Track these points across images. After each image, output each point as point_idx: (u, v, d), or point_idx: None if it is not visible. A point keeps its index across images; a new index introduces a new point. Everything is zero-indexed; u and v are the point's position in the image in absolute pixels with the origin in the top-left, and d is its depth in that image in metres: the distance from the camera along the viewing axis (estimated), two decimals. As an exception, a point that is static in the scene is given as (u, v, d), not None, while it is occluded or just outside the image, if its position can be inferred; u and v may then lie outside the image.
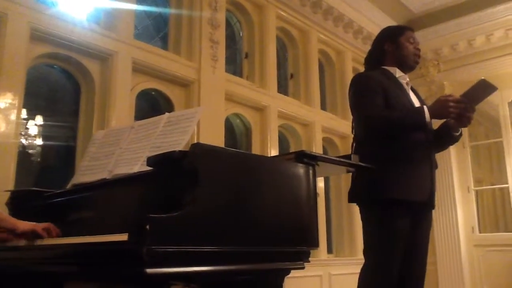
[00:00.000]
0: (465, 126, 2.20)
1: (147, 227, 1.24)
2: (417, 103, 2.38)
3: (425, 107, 2.16)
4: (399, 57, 2.41)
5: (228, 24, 5.00)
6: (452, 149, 6.52)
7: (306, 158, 1.71)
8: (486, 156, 8.54)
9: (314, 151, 2.60)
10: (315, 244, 1.68)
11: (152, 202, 1.62)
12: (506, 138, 6.36)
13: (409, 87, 2.44)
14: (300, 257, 1.65)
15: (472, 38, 6.53)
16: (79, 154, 3.49)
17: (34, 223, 1.80)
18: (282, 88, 5.50)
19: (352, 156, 1.93)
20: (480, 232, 6.53)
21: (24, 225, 1.79)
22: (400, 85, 2.37)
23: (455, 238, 6.34)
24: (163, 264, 1.27)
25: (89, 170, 2.10)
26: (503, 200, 8.29)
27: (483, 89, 2.09)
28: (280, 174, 1.65)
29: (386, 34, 2.51)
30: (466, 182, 6.58)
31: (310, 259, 1.69)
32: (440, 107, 2.12)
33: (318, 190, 1.78)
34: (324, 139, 5.75)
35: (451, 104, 2.09)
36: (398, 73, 2.41)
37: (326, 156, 1.88)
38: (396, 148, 2.18)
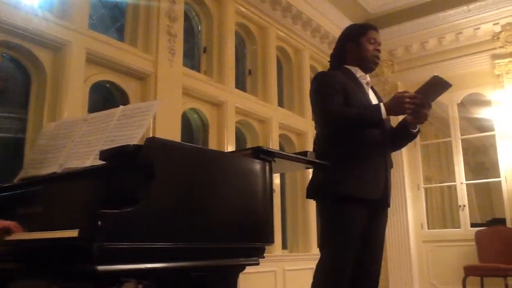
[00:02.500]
0: (421, 122, 2.25)
1: (99, 223, 1.20)
2: (376, 103, 2.42)
3: (381, 104, 2.21)
4: (359, 58, 2.44)
5: (187, 18, 4.94)
6: (404, 148, 6.70)
7: (263, 154, 1.71)
8: (435, 155, 8.86)
9: (270, 147, 2.60)
10: (270, 240, 1.69)
11: (104, 197, 1.58)
12: (455, 138, 6.61)
13: (369, 86, 2.49)
14: (255, 253, 1.65)
15: (425, 40, 6.74)
16: (28, 147, 3.36)
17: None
18: (240, 84, 5.50)
19: (308, 153, 1.95)
20: (428, 229, 6.77)
21: None
22: (360, 85, 2.41)
23: (405, 234, 6.55)
24: (114, 261, 1.24)
25: (38, 163, 2.03)
26: (451, 197, 8.64)
27: (437, 85, 2.12)
28: (236, 170, 1.64)
29: (348, 34, 2.53)
30: (417, 180, 6.80)
31: (264, 255, 1.69)
32: (395, 104, 2.17)
33: (274, 187, 1.79)
34: (280, 136, 5.80)
35: (406, 100, 2.13)
36: (359, 72, 2.45)
37: (282, 153, 1.89)
38: (352, 146, 2.22)
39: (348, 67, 2.46)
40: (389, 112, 2.17)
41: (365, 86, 2.44)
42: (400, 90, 6.81)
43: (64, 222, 1.67)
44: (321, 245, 2.28)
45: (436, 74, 2.11)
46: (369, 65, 2.45)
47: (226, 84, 4.98)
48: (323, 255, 2.25)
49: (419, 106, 2.15)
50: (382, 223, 2.36)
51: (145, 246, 1.30)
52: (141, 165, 1.38)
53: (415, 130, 2.32)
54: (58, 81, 3.52)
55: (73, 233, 1.24)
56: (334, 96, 2.28)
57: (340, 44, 2.54)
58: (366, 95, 2.39)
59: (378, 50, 2.46)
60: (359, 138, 2.23)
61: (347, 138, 2.24)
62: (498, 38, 6.25)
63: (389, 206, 2.37)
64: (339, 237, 2.21)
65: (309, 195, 2.35)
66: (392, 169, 2.41)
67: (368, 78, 2.48)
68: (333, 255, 2.21)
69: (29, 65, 3.55)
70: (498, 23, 6.22)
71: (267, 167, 1.71)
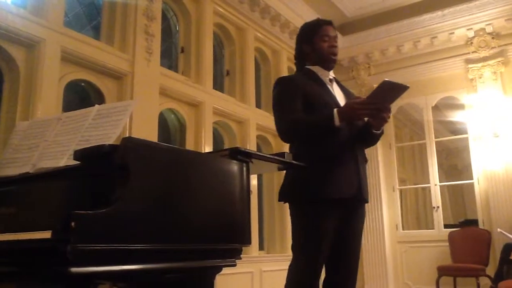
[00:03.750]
0: (380, 125, 2.23)
1: (72, 224, 1.18)
2: (341, 99, 2.40)
3: (335, 111, 2.17)
4: (316, 58, 2.43)
5: (164, 17, 4.91)
6: (380, 149, 6.81)
7: (240, 155, 1.70)
8: (410, 157, 9.01)
9: (248, 148, 2.60)
10: (247, 242, 1.68)
11: (79, 198, 1.55)
12: (429, 141, 6.73)
13: (333, 83, 2.47)
14: (232, 254, 1.64)
15: (401, 44, 6.85)
16: (0, 146, 3.28)
17: None
18: (218, 85, 5.49)
19: (285, 154, 1.95)
20: (403, 229, 6.87)
21: None
22: (322, 84, 2.40)
23: (380, 235, 6.63)
24: (89, 262, 1.21)
25: (10, 163, 1.98)
26: (425, 199, 8.79)
27: (391, 89, 2.10)
28: (213, 170, 1.63)
29: (302, 34, 2.52)
30: (392, 181, 6.89)
31: (241, 256, 1.69)
32: (347, 111, 2.15)
33: (251, 188, 1.78)
34: (258, 137, 5.80)
35: (357, 106, 2.12)
36: (320, 71, 2.43)
37: (260, 154, 1.88)
38: (320, 147, 2.21)
39: (309, 67, 2.45)
40: (342, 119, 2.15)
41: (328, 84, 2.43)
42: (376, 92, 6.91)
43: (37, 223, 1.63)
44: (292, 247, 2.29)
45: (386, 79, 2.10)
46: (327, 63, 2.44)
47: (203, 85, 4.96)
48: (294, 256, 2.26)
49: (374, 111, 2.14)
50: (359, 219, 2.34)
51: (120, 247, 1.28)
52: (116, 166, 1.36)
53: (378, 132, 2.32)
54: (31, 79, 3.45)
55: (46, 234, 1.21)
56: (291, 103, 2.28)
57: (297, 45, 2.54)
58: (329, 94, 2.37)
59: (333, 46, 2.43)
60: (327, 139, 2.23)
61: (314, 140, 2.24)
62: (472, 43, 6.39)
63: (366, 201, 2.36)
64: (309, 238, 2.21)
65: (280, 198, 2.35)
66: (366, 164, 2.40)
67: (331, 75, 2.47)
68: (303, 257, 2.21)
69: (1, 62, 3.47)
70: (471, 29, 6.36)
71: (245, 168, 1.70)
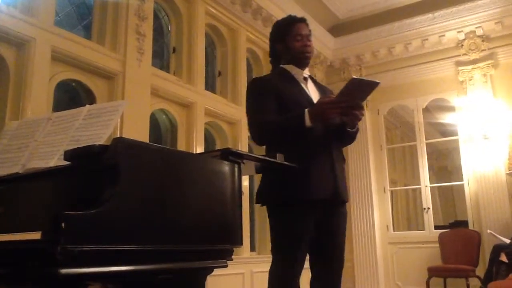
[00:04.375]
0: (354, 122, 2.21)
1: (62, 225, 1.17)
2: (317, 97, 2.35)
3: (306, 111, 2.13)
4: (290, 57, 2.41)
5: (156, 17, 4.89)
6: (371, 151, 6.84)
7: (232, 156, 1.70)
8: (401, 158, 9.05)
9: (240, 149, 2.61)
10: (239, 243, 1.68)
11: (69, 198, 1.54)
12: (420, 142, 6.77)
13: (308, 81, 2.44)
14: (223, 256, 1.64)
15: (392, 46, 6.88)
16: (-11, 146, 3.25)
17: None
18: (210, 86, 5.48)
19: (277, 155, 1.95)
20: (394, 230, 6.90)
21: None
22: (296, 83, 2.37)
23: (371, 236, 6.65)
24: (79, 264, 1.20)
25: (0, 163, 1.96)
26: (415, 200, 8.84)
27: (360, 86, 2.06)
28: (205, 171, 1.62)
29: (274, 34, 2.49)
30: (383, 183, 6.92)
31: (233, 257, 1.68)
32: (317, 111, 2.12)
33: (242, 189, 1.78)
34: (250, 138, 5.79)
35: (326, 106, 2.08)
36: (294, 70, 2.41)
37: (252, 155, 1.88)
38: (294, 148, 2.15)
39: (284, 66, 2.43)
40: (313, 119, 2.11)
41: (303, 83, 2.40)
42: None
43: (27, 224, 1.62)
44: (271, 249, 2.28)
45: (354, 76, 2.08)
46: (301, 62, 2.41)
47: (195, 85, 4.94)
48: (272, 258, 2.25)
49: (345, 108, 2.09)
50: (339, 219, 2.31)
51: (110, 248, 1.27)
52: (107, 166, 1.35)
53: (353, 130, 2.29)
54: (21, 79, 3.42)
55: (36, 235, 1.20)
56: (263, 104, 2.25)
57: (271, 44, 2.51)
58: (303, 92, 2.35)
59: (306, 45, 2.39)
60: (300, 140, 2.19)
61: (286, 142, 2.19)
62: (462, 45, 6.44)
63: (345, 201, 2.33)
64: (285, 240, 2.20)
65: (257, 200, 2.33)
66: (344, 164, 2.38)
67: (306, 73, 2.44)
68: (281, 258, 2.21)
69: (-9, 61, 3.44)
70: (462, 31, 6.41)
71: (236, 169, 1.70)
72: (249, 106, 2.35)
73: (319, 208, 2.21)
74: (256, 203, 2.35)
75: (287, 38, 2.40)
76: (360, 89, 2.07)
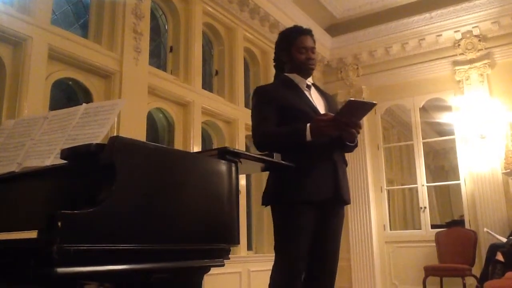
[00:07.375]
0: (350, 139, 2.28)
1: (59, 224, 1.16)
2: (320, 104, 2.44)
3: (308, 126, 2.20)
4: (293, 67, 2.46)
5: (153, 16, 4.88)
6: (368, 150, 6.85)
7: (229, 155, 1.70)
8: (397, 158, 9.06)
9: (237, 148, 2.58)
10: (236, 242, 1.68)
11: (65, 197, 1.54)
12: (416, 142, 6.77)
13: (311, 89, 2.49)
14: (220, 255, 1.64)
15: (389, 45, 6.89)
16: (-15, 144, 3.24)
17: None
18: (207, 85, 5.47)
19: (274, 154, 1.96)
20: (390, 230, 6.91)
21: None
22: (300, 92, 2.43)
23: (368, 235, 6.66)
24: (75, 263, 1.20)
25: (-5, 162, 1.95)
26: (412, 199, 8.85)
27: (357, 107, 2.15)
28: (202, 170, 1.62)
29: (280, 43, 2.54)
30: (380, 182, 6.92)
31: (230, 256, 1.68)
32: (315, 128, 2.19)
33: (239, 188, 1.78)
34: (247, 137, 5.79)
35: (322, 124, 2.16)
36: (297, 78, 2.46)
37: (249, 154, 1.88)
38: (297, 151, 2.22)
39: (287, 74, 2.49)
40: (313, 136, 2.18)
41: (306, 91, 2.45)
42: (364, 93, 6.96)
43: (23, 223, 1.61)
44: (274, 247, 2.32)
45: (350, 98, 2.17)
46: (305, 72, 2.46)
47: (192, 84, 4.94)
48: (275, 257, 2.30)
49: (342, 126, 2.17)
50: (338, 220, 2.37)
51: (106, 247, 1.27)
52: (103, 165, 1.35)
53: (352, 144, 2.36)
54: (18, 77, 3.41)
55: (32, 234, 1.20)
56: (265, 117, 2.32)
57: (275, 53, 2.57)
58: (307, 101, 2.40)
59: (310, 58, 2.45)
60: (303, 147, 2.24)
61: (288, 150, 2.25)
62: (459, 45, 6.45)
63: (346, 203, 2.39)
64: (289, 238, 2.25)
65: (263, 202, 2.39)
66: (346, 167, 2.44)
67: (309, 81, 2.49)
68: (284, 256, 2.25)
69: (-13, 60, 3.43)
70: (458, 31, 6.42)
71: (233, 168, 1.70)
72: (252, 115, 2.42)
73: (320, 209, 2.27)
74: (262, 205, 2.41)
75: (292, 49, 2.45)
76: (357, 110, 2.16)
